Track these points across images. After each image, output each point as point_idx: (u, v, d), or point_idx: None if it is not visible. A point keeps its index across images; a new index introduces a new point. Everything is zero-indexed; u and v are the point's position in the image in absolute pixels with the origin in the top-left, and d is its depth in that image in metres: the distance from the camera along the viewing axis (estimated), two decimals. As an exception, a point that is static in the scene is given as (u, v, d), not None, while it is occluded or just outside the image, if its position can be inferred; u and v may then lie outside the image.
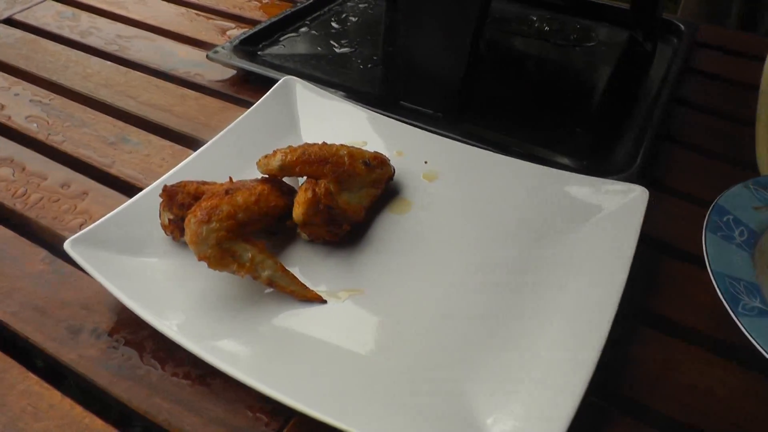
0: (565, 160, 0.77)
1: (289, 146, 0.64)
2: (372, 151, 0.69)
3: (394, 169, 0.70)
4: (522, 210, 0.68)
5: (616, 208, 0.65)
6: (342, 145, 0.66)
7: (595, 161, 0.78)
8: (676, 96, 0.92)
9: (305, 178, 0.64)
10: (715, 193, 0.67)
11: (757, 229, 0.64)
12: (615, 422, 0.52)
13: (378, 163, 0.67)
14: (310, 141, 0.67)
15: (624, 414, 0.53)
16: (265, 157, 0.64)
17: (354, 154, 0.66)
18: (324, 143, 0.66)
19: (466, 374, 0.53)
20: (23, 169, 0.76)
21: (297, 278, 0.58)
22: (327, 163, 0.63)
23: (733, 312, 0.55)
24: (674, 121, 0.89)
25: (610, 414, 0.53)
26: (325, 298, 0.58)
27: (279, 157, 0.63)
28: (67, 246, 0.58)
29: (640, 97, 0.94)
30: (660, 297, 0.63)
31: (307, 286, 0.59)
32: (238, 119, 0.76)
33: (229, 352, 0.53)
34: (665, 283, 0.64)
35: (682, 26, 1.07)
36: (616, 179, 0.70)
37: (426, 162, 0.73)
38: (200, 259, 0.55)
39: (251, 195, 0.59)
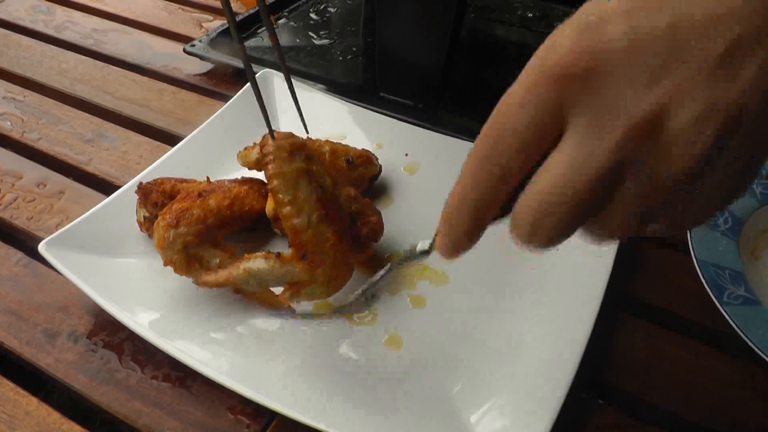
0: (548, 150, 0.76)
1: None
2: (360, 148, 0.67)
3: (380, 168, 0.69)
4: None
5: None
6: (327, 140, 0.65)
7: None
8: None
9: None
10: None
11: (741, 215, 0.64)
12: (600, 413, 0.52)
13: (362, 162, 0.66)
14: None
15: (610, 404, 0.53)
16: (246, 149, 0.63)
17: (337, 150, 0.65)
18: (309, 138, 0.65)
19: (451, 372, 0.52)
20: (-3, 168, 0.74)
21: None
22: None
23: (717, 301, 0.55)
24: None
25: (595, 405, 0.52)
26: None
27: (257, 150, 0.62)
28: (41, 248, 0.56)
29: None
30: (646, 285, 0.62)
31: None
32: (215, 114, 0.74)
33: (208, 353, 0.52)
34: (651, 270, 0.64)
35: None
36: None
37: (407, 154, 0.72)
38: (166, 263, 0.54)
39: (225, 198, 0.57)
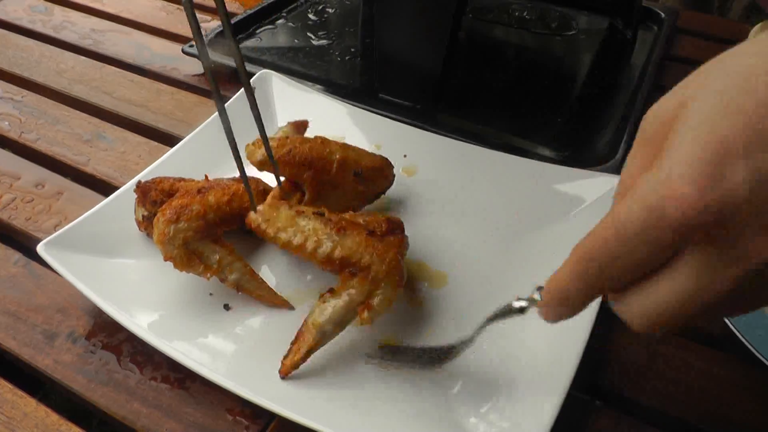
0: (546, 151, 0.76)
1: (280, 138, 0.61)
2: (378, 155, 0.65)
3: (393, 180, 0.66)
4: (502, 203, 0.67)
5: (598, 199, 0.65)
6: (344, 145, 0.62)
7: (576, 152, 0.77)
8: (658, 83, 0.91)
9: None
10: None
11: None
12: (598, 415, 0.52)
13: (371, 176, 0.63)
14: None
15: (607, 406, 0.53)
16: (253, 144, 0.60)
17: (347, 161, 0.61)
18: (324, 141, 0.62)
19: (450, 374, 0.52)
20: (-5, 169, 0.74)
21: (266, 283, 0.57)
22: (310, 169, 0.59)
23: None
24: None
25: (593, 407, 0.53)
26: (300, 299, 0.57)
27: (262, 152, 0.60)
28: (40, 249, 0.56)
29: (621, 86, 0.94)
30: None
31: (282, 284, 0.58)
32: (214, 115, 0.74)
33: (207, 354, 0.52)
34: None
35: (662, 13, 1.07)
36: (597, 170, 0.69)
37: (405, 156, 0.72)
38: (166, 259, 0.54)
39: (224, 195, 0.57)
